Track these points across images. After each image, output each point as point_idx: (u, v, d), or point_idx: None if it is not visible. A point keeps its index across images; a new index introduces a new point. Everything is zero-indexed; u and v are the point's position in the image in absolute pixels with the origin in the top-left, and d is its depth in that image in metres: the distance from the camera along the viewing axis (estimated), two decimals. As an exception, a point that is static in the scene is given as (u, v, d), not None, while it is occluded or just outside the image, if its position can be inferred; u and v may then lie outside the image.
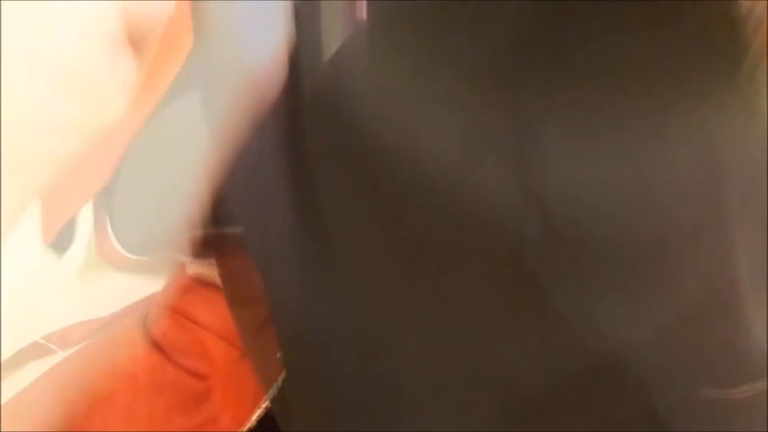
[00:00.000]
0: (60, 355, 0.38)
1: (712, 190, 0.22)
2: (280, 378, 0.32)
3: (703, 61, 0.21)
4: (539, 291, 0.23)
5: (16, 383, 0.37)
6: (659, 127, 0.21)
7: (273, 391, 0.31)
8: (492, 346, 0.25)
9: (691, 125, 0.21)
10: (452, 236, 0.24)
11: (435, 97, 0.23)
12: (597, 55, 0.21)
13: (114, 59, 0.15)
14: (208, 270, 0.37)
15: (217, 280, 0.36)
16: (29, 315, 0.41)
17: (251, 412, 0.30)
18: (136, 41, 0.16)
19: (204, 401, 0.33)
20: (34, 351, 0.38)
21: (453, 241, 0.24)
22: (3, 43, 0.13)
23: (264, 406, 0.30)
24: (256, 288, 0.36)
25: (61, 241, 0.41)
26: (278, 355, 0.33)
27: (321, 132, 0.25)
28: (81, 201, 0.39)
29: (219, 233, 0.36)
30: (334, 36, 0.25)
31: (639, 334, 0.24)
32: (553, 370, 0.25)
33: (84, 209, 0.40)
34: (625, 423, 0.25)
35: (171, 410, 0.32)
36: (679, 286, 0.24)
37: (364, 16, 0.24)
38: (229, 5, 0.21)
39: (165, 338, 0.35)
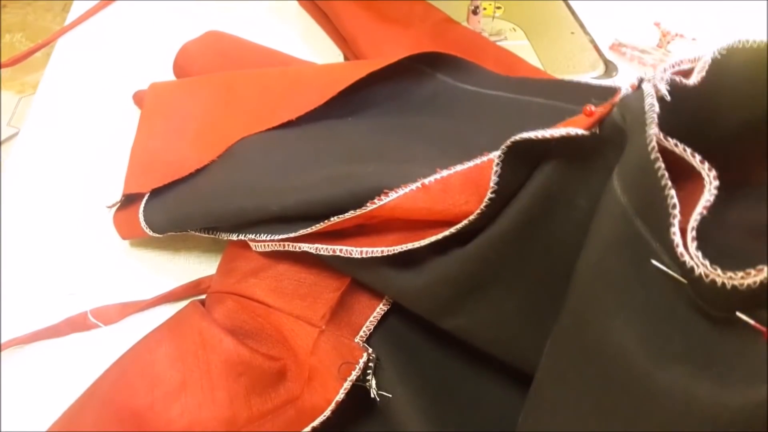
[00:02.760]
0: (103, 330, 0.38)
1: None
2: (362, 360, 0.31)
3: None
4: None
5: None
6: None
7: (356, 372, 0.31)
8: None
9: None
10: None
11: None
12: None
13: None
14: (270, 252, 0.36)
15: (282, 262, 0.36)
16: (79, 286, 0.41)
17: (335, 392, 0.30)
18: None
19: (282, 381, 0.32)
20: (81, 322, 0.37)
21: None
22: None
23: (347, 386, 0.30)
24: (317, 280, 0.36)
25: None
26: (356, 339, 0.33)
27: None
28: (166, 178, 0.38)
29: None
30: None
31: None
32: None
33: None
34: None
35: (250, 392, 0.31)
36: None
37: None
38: None
39: (232, 323, 0.34)
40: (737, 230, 0.21)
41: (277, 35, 0.60)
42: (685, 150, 0.21)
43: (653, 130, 0.21)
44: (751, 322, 0.18)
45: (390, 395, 0.31)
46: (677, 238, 0.19)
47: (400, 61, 0.41)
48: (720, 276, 0.18)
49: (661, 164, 0.20)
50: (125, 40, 0.60)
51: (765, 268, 0.18)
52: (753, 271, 0.18)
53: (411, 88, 0.43)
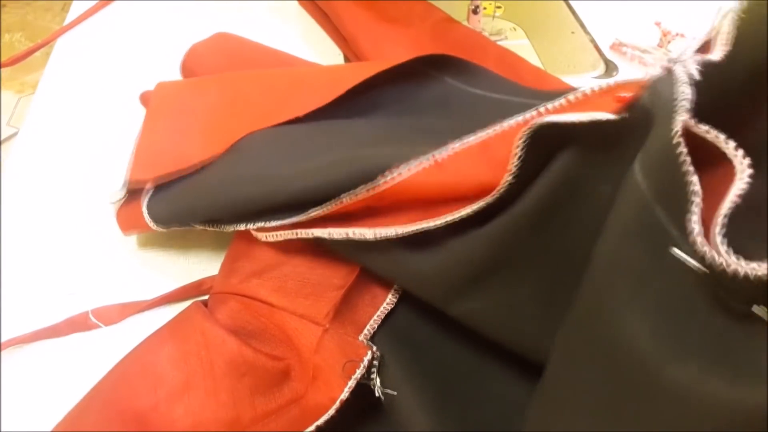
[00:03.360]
0: (103, 331, 0.38)
1: None
2: (366, 359, 0.31)
3: None
4: None
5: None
6: None
7: (360, 371, 0.31)
8: None
9: None
10: None
11: None
12: None
13: None
14: (274, 252, 0.36)
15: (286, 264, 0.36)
16: (80, 286, 0.41)
17: (340, 390, 0.30)
18: None
19: (286, 381, 0.32)
20: (82, 322, 0.37)
21: None
22: None
23: (351, 385, 0.30)
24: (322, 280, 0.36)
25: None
26: (360, 337, 0.33)
27: None
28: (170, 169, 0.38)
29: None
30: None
31: None
32: None
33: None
34: None
35: (254, 392, 0.31)
36: None
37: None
38: None
39: (235, 323, 0.34)
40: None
41: (277, 35, 0.60)
42: (717, 137, 0.20)
43: (682, 117, 0.21)
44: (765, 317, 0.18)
45: (394, 393, 0.31)
46: (696, 226, 0.19)
47: (406, 63, 0.41)
48: (742, 267, 0.18)
49: (683, 149, 0.20)
50: (124, 40, 0.60)
51: None
52: None
53: (418, 91, 0.43)
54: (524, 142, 0.26)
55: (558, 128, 0.25)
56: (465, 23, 0.59)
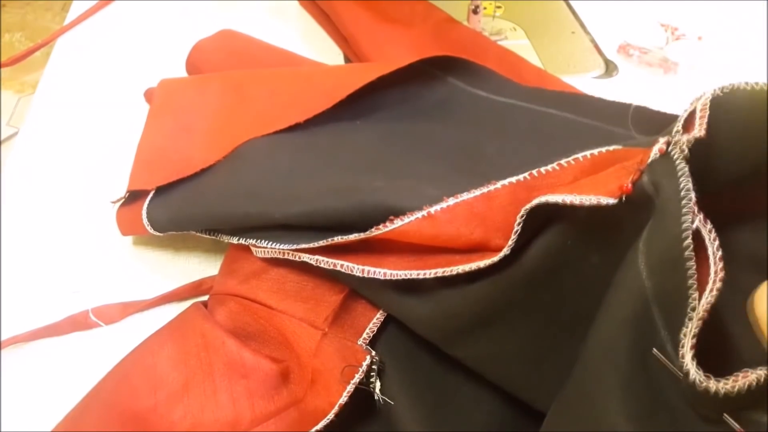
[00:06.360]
0: (104, 330, 0.38)
1: None
2: (365, 363, 0.31)
3: None
4: None
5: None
6: None
7: (359, 375, 0.31)
8: None
9: None
10: None
11: None
12: None
13: None
14: (274, 256, 0.35)
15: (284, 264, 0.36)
16: (80, 285, 0.41)
17: (339, 395, 0.30)
18: None
19: (285, 384, 0.32)
20: (82, 321, 0.37)
21: None
22: None
23: (350, 389, 0.30)
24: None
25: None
26: (359, 342, 0.33)
27: None
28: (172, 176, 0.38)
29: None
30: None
31: None
32: None
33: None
34: None
35: (253, 394, 0.31)
36: None
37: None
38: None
39: (235, 325, 0.34)
40: (738, 261, 0.21)
41: (277, 35, 0.60)
42: (713, 241, 0.20)
43: (689, 223, 0.21)
44: (736, 426, 0.19)
45: (392, 402, 0.31)
46: (687, 340, 0.20)
47: (411, 64, 0.40)
48: (714, 384, 0.19)
49: (692, 263, 0.20)
50: (124, 40, 0.60)
51: (750, 374, 0.18)
52: (740, 376, 0.18)
53: (421, 92, 0.43)
54: (523, 217, 0.27)
55: (558, 205, 0.26)
56: (465, 23, 0.59)
